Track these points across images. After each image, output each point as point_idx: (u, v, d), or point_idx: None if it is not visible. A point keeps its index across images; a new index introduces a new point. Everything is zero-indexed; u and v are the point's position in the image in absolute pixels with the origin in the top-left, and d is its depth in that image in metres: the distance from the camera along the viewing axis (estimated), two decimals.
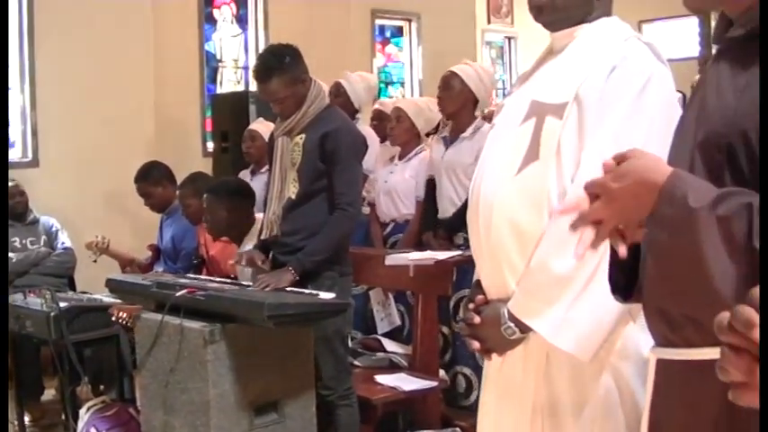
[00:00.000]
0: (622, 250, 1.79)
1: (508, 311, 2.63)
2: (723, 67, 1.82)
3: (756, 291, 1.07)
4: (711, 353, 1.67)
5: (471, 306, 2.79)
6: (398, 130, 6.56)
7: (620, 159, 1.75)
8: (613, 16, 2.91)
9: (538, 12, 2.84)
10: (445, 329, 5.91)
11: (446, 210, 6.04)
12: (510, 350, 2.69)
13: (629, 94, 2.60)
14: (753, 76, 1.72)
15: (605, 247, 1.95)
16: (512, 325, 2.62)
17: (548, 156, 2.63)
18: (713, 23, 1.97)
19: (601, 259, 2.21)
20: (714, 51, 1.95)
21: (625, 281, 2.02)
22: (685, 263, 1.64)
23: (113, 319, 4.91)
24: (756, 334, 1.02)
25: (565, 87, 2.70)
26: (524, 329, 2.61)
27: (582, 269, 2.46)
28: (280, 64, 4.78)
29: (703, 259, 1.58)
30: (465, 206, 5.83)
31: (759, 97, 1.61)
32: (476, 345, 2.73)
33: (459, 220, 5.86)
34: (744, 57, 1.77)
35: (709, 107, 1.81)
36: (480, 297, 2.79)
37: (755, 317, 1.03)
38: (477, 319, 2.74)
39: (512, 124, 2.81)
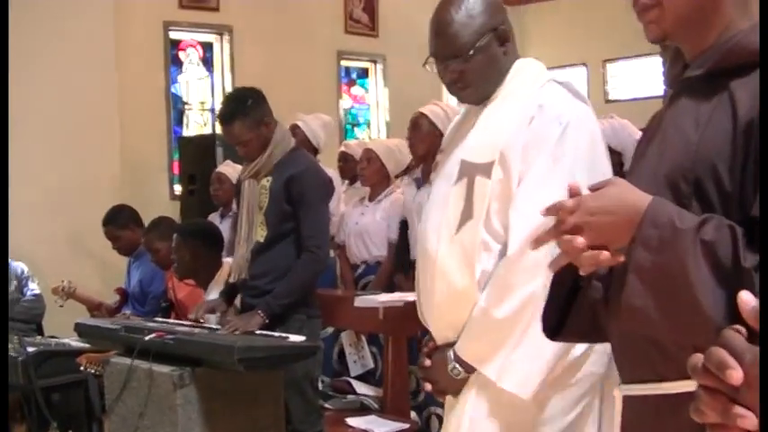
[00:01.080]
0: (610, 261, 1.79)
1: (454, 353, 2.81)
2: (682, 105, 1.86)
3: (727, 332, 1.08)
4: (681, 386, 1.69)
5: (424, 351, 2.97)
6: (369, 171, 6.57)
7: (595, 188, 1.77)
8: (527, 58, 3.05)
9: (460, 99, 3.04)
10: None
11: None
12: (460, 389, 2.84)
13: (548, 144, 2.73)
14: (714, 111, 1.76)
15: (542, 291, 2.09)
16: (457, 365, 2.80)
17: (480, 214, 2.76)
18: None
19: (538, 304, 2.26)
20: (670, 92, 1.98)
21: (556, 319, 2.06)
22: (671, 282, 1.64)
23: (81, 368, 4.88)
24: (730, 375, 1.03)
25: (489, 146, 2.81)
26: (469, 370, 2.79)
27: (522, 314, 2.64)
28: (242, 107, 4.80)
29: (689, 280, 1.60)
30: None
31: (759, 100, 1.64)
32: (428, 386, 2.95)
33: None
34: (704, 93, 1.81)
35: (671, 143, 1.84)
36: (432, 343, 2.95)
37: (728, 358, 1.04)
38: (427, 363, 2.93)
39: (447, 184, 2.92)
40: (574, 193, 1.77)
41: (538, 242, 1.85)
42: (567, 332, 2.06)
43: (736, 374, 1.03)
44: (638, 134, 5.23)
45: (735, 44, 1.79)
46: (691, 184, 1.75)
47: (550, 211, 1.80)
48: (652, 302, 1.69)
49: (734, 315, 1.10)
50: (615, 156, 5.24)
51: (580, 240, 1.72)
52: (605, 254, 1.72)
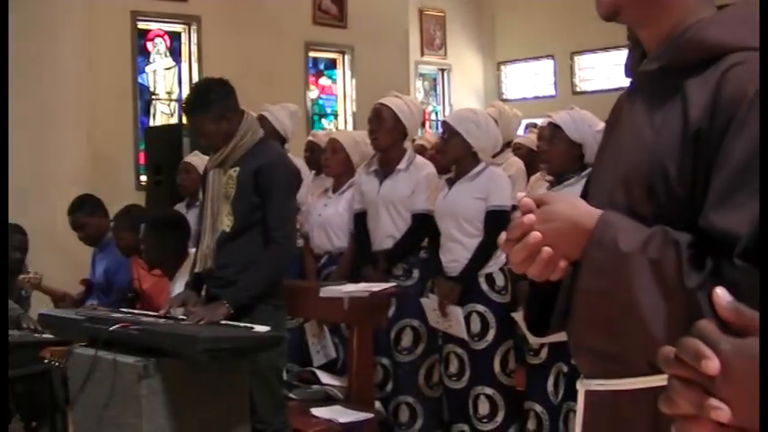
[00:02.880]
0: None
1: None
2: (638, 103, 1.84)
3: (702, 322, 1.07)
4: (641, 382, 1.69)
5: None
6: (334, 162, 6.54)
7: (540, 202, 1.74)
8: None
9: None
10: (386, 361, 5.93)
11: (383, 242, 6.03)
12: None
13: None
14: (668, 112, 1.74)
15: None
16: None
17: None
18: None
19: None
20: (629, 85, 1.96)
21: (539, 316, 2.02)
22: (618, 306, 1.65)
23: (45, 361, 4.86)
24: (707, 365, 1.03)
25: None
26: None
27: None
28: (203, 101, 4.80)
29: (636, 303, 1.60)
30: (405, 237, 5.87)
31: (759, 107, 1.63)
32: None
33: (401, 251, 5.89)
34: (659, 91, 1.79)
35: (627, 144, 1.82)
36: None
37: (704, 348, 1.04)
38: None
39: None
40: (527, 210, 1.73)
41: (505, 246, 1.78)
42: (555, 327, 2.00)
43: (712, 364, 1.01)
44: (600, 126, 5.25)
45: (690, 37, 1.75)
46: (644, 188, 1.74)
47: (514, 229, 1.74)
48: (600, 327, 1.72)
49: (679, 334, 1.10)
50: (576, 148, 5.26)
51: (547, 250, 1.70)
52: (564, 262, 1.72)
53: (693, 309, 1.53)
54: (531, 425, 5.48)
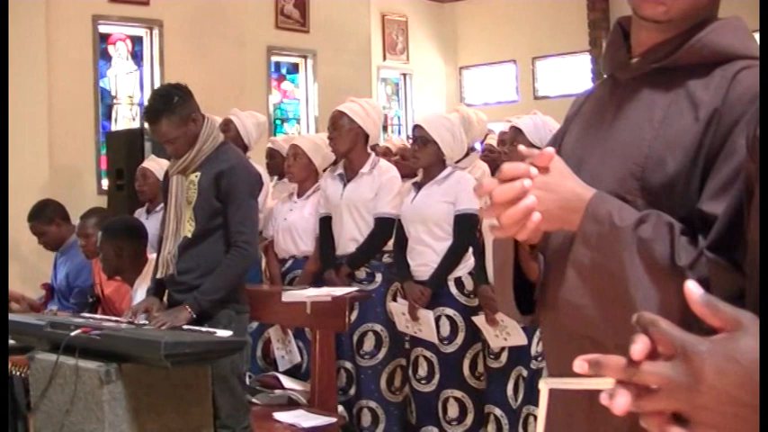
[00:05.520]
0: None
1: None
2: (634, 97, 1.86)
3: (638, 315, 1.10)
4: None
5: None
6: (296, 168, 6.55)
7: (538, 166, 1.68)
8: None
9: None
10: (349, 365, 5.94)
11: (347, 246, 6.04)
12: None
13: None
14: (670, 108, 1.77)
15: None
16: None
17: None
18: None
19: None
20: (610, 78, 1.97)
21: (524, 300, 1.99)
22: (609, 280, 1.65)
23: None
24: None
25: None
26: None
27: None
28: (167, 105, 4.77)
29: (625, 278, 1.61)
30: (368, 241, 5.87)
31: (759, 107, 1.64)
32: None
33: (363, 255, 5.90)
34: (660, 88, 1.82)
35: (622, 137, 1.84)
36: None
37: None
38: None
39: None
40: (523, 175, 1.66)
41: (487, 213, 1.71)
42: (539, 313, 1.98)
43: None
44: None
45: (704, 42, 1.80)
46: (639, 180, 1.76)
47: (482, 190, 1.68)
48: (589, 300, 1.70)
49: (664, 315, 1.10)
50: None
51: (537, 216, 1.64)
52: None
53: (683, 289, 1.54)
54: (491, 428, 5.52)
